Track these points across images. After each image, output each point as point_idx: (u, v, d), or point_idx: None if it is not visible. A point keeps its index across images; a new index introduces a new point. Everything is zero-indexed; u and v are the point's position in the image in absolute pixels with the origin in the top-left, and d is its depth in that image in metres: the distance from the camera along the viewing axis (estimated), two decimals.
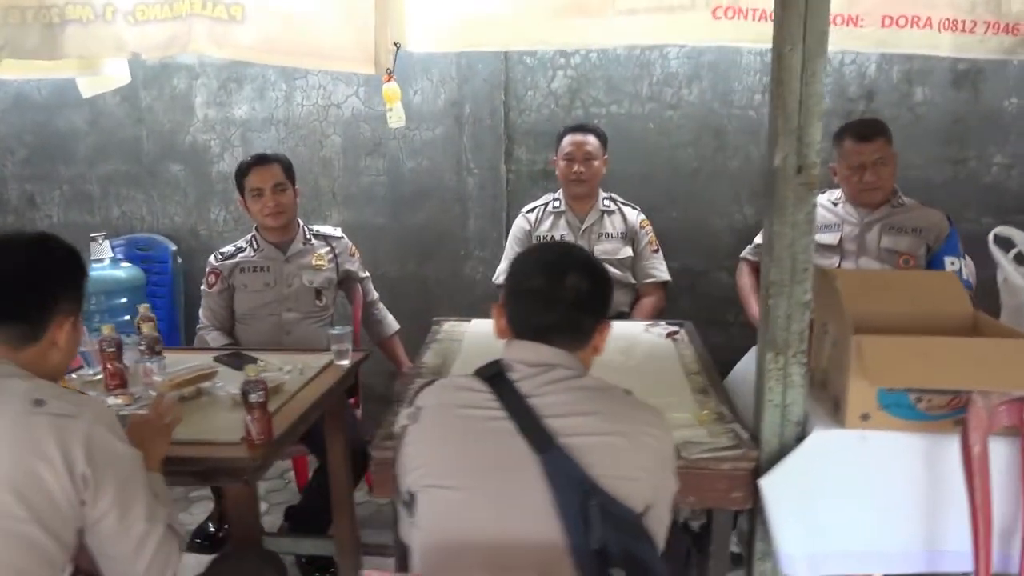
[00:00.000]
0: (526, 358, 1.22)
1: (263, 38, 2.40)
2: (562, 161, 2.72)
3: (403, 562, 1.38)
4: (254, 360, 2.12)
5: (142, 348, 1.97)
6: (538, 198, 2.94)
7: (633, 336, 2.35)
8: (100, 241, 3.01)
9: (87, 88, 3.00)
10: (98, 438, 1.18)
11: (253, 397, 1.56)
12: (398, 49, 2.41)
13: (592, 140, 2.69)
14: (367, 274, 2.79)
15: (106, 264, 3.01)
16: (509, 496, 1.12)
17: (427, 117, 3.14)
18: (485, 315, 1.78)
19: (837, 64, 2.96)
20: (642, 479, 1.15)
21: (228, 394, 1.81)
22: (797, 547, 1.59)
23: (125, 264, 3.05)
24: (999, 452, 1.53)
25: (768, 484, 1.57)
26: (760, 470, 1.59)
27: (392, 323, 2.79)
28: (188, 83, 3.23)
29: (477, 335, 2.38)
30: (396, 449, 1.28)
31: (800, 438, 1.60)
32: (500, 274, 2.81)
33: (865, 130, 2.38)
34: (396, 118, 2.71)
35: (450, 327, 2.47)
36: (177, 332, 3.23)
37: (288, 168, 2.58)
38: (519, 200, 3.16)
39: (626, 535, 1.11)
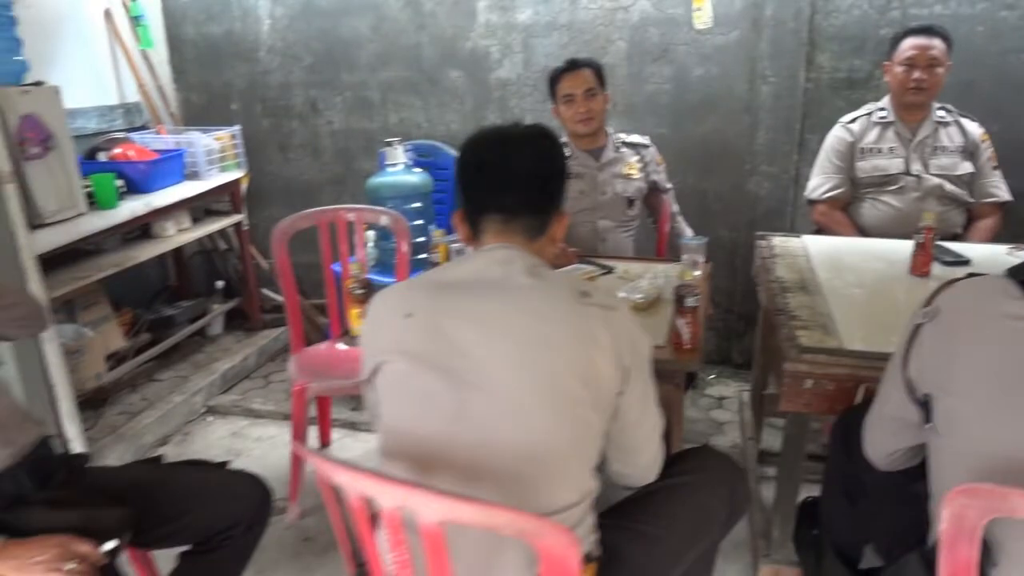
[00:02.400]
0: None
1: None
2: (898, 67, 2.48)
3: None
4: (607, 268, 2.13)
5: None
6: (841, 110, 2.74)
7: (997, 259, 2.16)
8: (395, 146, 3.08)
9: None
10: (636, 332, 1.19)
11: (689, 301, 1.55)
12: None
13: (938, 44, 2.44)
14: (671, 185, 2.73)
15: (399, 169, 3.10)
16: None
17: (722, 20, 2.96)
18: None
19: None
20: None
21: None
22: None
23: (417, 170, 3.13)
24: None
25: None
26: None
27: (689, 243, 2.72)
28: None
29: (823, 250, 2.28)
30: (906, 347, 1.21)
31: None
32: (814, 189, 2.66)
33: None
34: (704, 19, 2.58)
35: (784, 243, 2.38)
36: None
37: (599, 73, 2.52)
38: (816, 112, 2.97)
39: None
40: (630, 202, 2.60)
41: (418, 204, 3.06)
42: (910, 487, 1.39)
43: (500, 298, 1.17)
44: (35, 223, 2.43)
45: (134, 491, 1.57)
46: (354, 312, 1.75)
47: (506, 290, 1.17)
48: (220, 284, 3.77)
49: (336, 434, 2.86)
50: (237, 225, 3.56)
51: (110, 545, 1.37)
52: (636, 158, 2.61)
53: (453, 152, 3.34)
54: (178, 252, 3.59)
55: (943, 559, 1.09)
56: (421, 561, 1.02)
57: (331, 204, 2.72)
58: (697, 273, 1.72)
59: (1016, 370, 1.10)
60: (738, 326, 3.29)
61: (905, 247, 2.11)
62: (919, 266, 2.03)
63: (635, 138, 2.66)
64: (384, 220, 2.57)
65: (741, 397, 3.00)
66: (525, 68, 3.24)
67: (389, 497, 0.98)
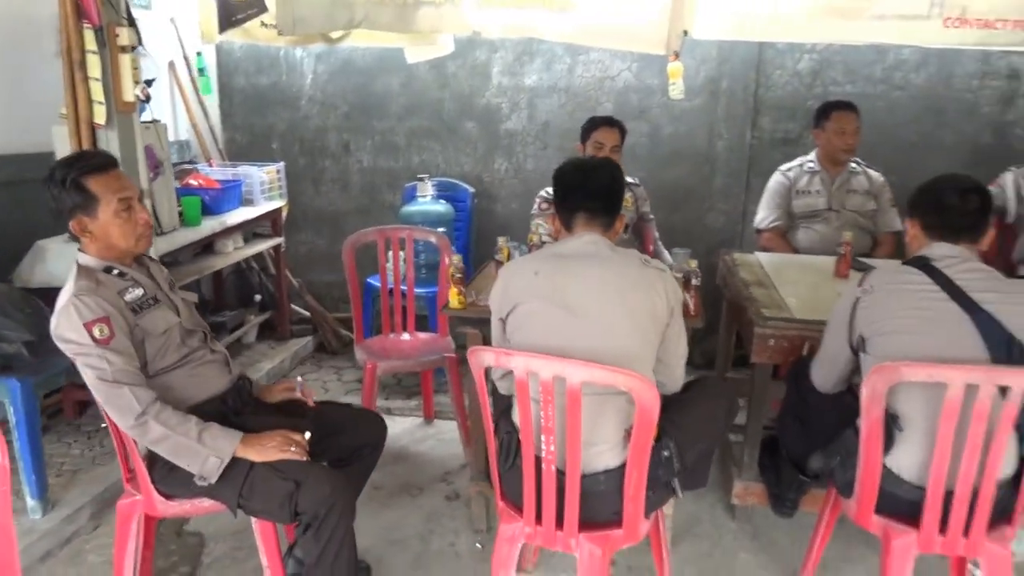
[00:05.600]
0: (948, 253, 1.88)
1: (585, 24, 3.08)
2: (832, 134, 3.29)
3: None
4: None
5: None
6: (776, 161, 3.58)
7: None
8: (425, 181, 3.77)
9: (412, 56, 3.75)
10: (676, 286, 1.91)
11: (695, 280, 2.28)
12: (686, 35, 3.07)
13: (855, 117, 3.27)
14: (653, 216, 3.49)
15: (428, 199, 3.78)
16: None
17: (688, 90, 3.76)
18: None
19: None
20: None
21: None
22: None
23: (441, 201, 3.81)
24: None
25: None
26: None
27: (669, 259, 3.48)
28: (488, 55, 3.96)
29: (770, 261, 3.07)
30: (850, 311, 1.96)
31: None
32: (761, 221, 3.47)
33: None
34: (677, 91, 3.38)
35: (742, 257, 3.16)
36: (470, 259, 3.99)
37: (623, 135, 3.23)
38: (760, 162, 3.81)
39: None
40: (625, 227, 3.35)
41: (443, 229, 3.74)
42: (843, 402, 2.13)
43: (595, 263, 1.86)
44: (157, 233, 3.00)
45: (297, 417, 2.17)
46: (454, 291, 2.40)
47: (598, 258, 1.87)
48: (258, 298, 4.32)
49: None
50: (276, 247, 4.15)
51: (308, 435, 1.97)
52: (629, 194, 3.37)
53: (468, 188, 4.04)
54: (217, 270, 4.14)
55: (864, 419, 1.83)
56: (560, 417, 1.69)
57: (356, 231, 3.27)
58: (694, 264, 2.44)
59: (914, 310, 1.85)
60: (699, 333, 4.05)
61: (828, 261, 2.92)
62: (841, 271, 2.83)
63: (629, 179, 3.42)
64: (432, 239, 3.23)
65: None
66: (529, 122, 4.00)
67: (549, 368, 1.65)
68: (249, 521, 2.00)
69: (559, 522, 1.80)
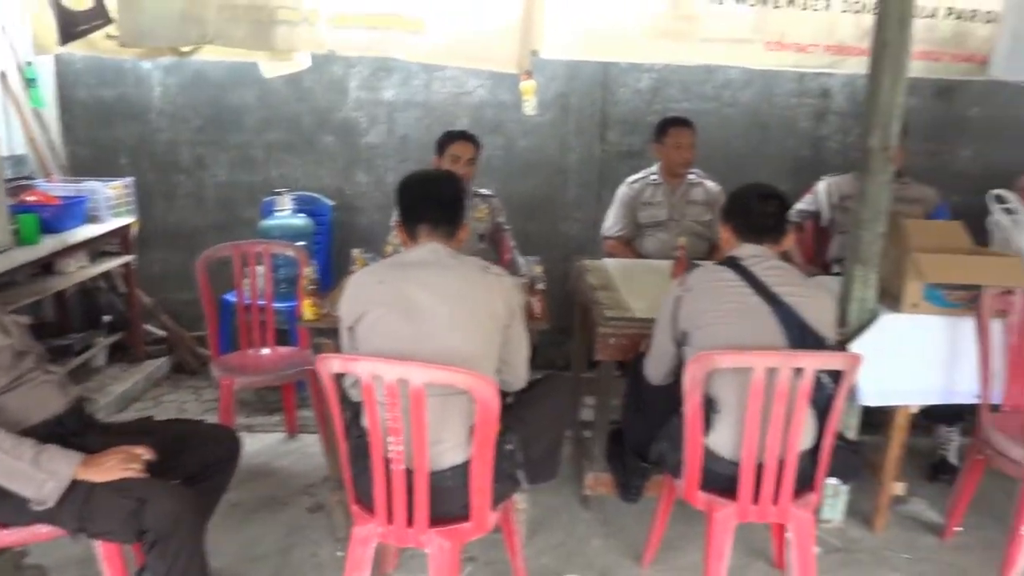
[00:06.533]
0: (753, 253, 2.11)
1: (437, 44, 3.19)
2: (670, 148, 3.55)
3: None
4: None
5: None
6: (624, 172, 3.82)
7: None
8: (284, 195, 3.75)
9: (269, 71, 3.74)
10: (516, 289, 2.03)
11: (540, 285, 2.42)
12: (535, 55, 3.25)
13: (691, 132, 3.55)
14: (509, 226, 3.64)
15: (286, 214, 3.76)
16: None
17: (539, 105, 3.97)
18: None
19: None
20: None
21: None
22: (869, 386, 2.53)
23: (300, 215, 3.80)
24: (993, 328, 2.50)
25: (853, 348, 2.51)
26: (848, 341, 2.53)
27: (525, 265, 3.63)
28: (345, 70, 3.99)
29: (616, 266, 3.27)
30: (672, 309, 2.15)
31: (872, 320, 2.55)
32: (608, 229, 3.69)
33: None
34: (531, 107, 3.56)
35: (591, 263, 3.35)
36: (331, 271, 3.98)
37: (479, 149, 3.36)
38: (608, 174, 4.05)
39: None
40: (480, 237, 3.47)
41: (303, 243, 3.73)
42: (674, 392, 2.32)
43: (437, 271, 1.95)
44: None
45: (142, 436, 2.13)
46: (307, 303, 2.42)
47: (439, 266, 1.96)
48: (107, 319, 4.12)
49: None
50: (127, 265, 3.98)
51: (148, 455, 1.94)
52: (485, 205, 3.50)
53: (328, 201, 4.05)
54: (60, 290, 3.93)
55: (686, 404, 2.01)
56: (406, 418, 1.76)
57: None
58: (539, 269, 2.59)
59: (726, 304, 2.06)
60: (558, 338, 4.23)
61: (669, 265, 3.15)
62: (676, 273, 3.06)
63: (484, 191, 3.55)
64: (291, 252, 3.23)
65: None
66: (388, 136, 4.07)
67: (392, 371, 1.73)
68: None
69: (410, 520, 1.88)
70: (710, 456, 2.06)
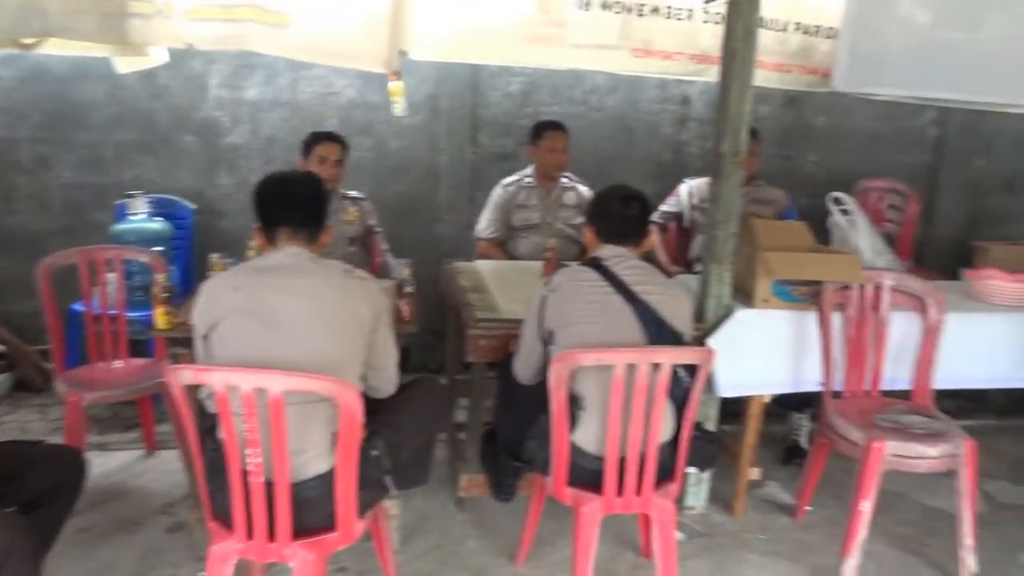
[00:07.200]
0: (615, 253, 2.17)
1: (305, 41, 3.11)
2: (545, 152, 3.60)
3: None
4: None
5: None
6: (496, 175, 3.85)
7: None
8: (137, 198, 3.53)
9: (122, 66, 3.51)
10: (381, 293, 1.99)
11: (408, 288, 2.39)
12: (404, 56, 3.23)
13: (564, 135, 3.60)
14: (381, 229, 3.58)
15: (141, 217, 3.54)
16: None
17: (410, 106, 3.92)
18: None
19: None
20: None
21: None
22: (725, 379, 2.67)
23: (156, 219, 3.59)
24: (833, 321, 2.70)
25: (711, 343, 2.64)
26: (706, 336, 2.66)
27: (396, 268, 3.59)
28: (204, 67, 3.80)
29: (489, 268, 3.28)
30: (538, 309, 2.18)
31: (728, 316, 2.69)
32: (481, 230, 3.70)
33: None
34: (400, 108, 3.53)
35: (463, 265, 3.34)
36: (192, 277, 3.78)
37: (346, 150, 3.29)
38: (481, 176, 4.06)
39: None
40: (351, 240, 3.40)
41: (160, 248, 3.52)
42: (543, 391, 2.36)
43: (297, 275, 1.89)
44: None
45: None
46: (160, 311, 2.28)
47: (300, 270, 1.90)
48: None
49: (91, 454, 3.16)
50: None
51: None
52: (355, 208, 3.43)
53: (188, 204, 3.85)
54: None
55: (552, 401, 2.05)
56: (265, 428, 1.69)
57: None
58: (407, 272, 2.56)
59: (588, 303, 2.11)
60: (431, 340, 4.20)
61: (539, 266, 3.20)
62: (546, 274, 3.11)
63: (354, 193, 3.48)
64: (145, 258, 3.04)
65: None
66: (253, 136, 3.91)
67: (248, 381, 1.65)
68: None
69: (272, 534, 1.80)
70: (576, 452, 2.11)
